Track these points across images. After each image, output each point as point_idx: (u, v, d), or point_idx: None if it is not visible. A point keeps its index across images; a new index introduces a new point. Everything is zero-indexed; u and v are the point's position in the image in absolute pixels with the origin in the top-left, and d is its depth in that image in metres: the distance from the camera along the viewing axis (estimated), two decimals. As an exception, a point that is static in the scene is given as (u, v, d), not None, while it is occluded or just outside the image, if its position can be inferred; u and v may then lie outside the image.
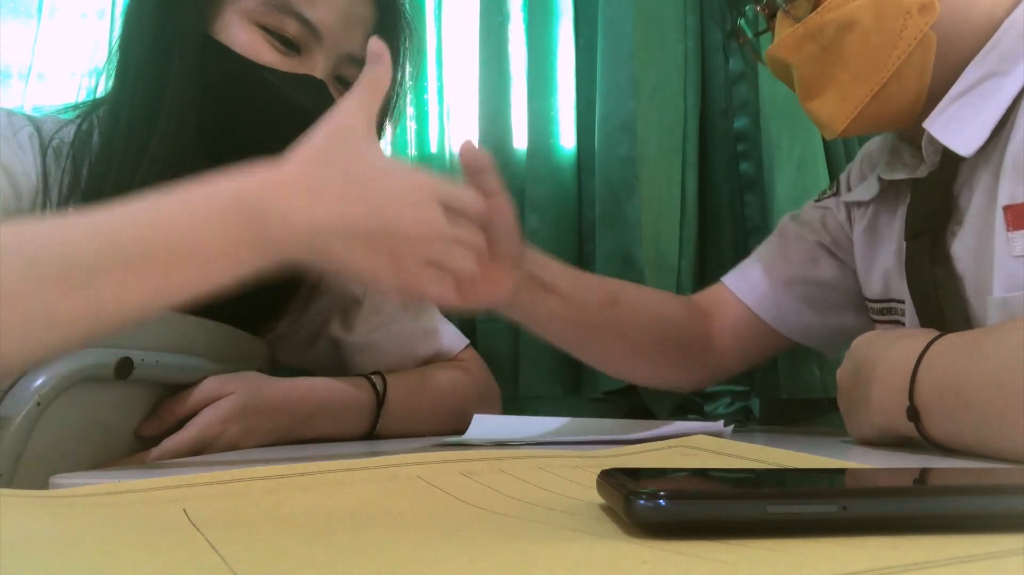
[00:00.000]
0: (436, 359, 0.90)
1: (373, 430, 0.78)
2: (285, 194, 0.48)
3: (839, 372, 0.62)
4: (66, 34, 1.27)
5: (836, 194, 0.83)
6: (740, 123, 1.10)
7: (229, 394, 0.68)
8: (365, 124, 0.52)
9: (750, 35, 0.76)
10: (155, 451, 0.65)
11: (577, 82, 1.18)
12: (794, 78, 0.69)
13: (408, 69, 0.85)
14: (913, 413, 0.51)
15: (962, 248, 0.63)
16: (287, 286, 0.85)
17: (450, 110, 1.21)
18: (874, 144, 0.82)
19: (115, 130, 0.70)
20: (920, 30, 0.61)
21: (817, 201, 0.85)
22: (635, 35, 1.09)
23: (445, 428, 0.82)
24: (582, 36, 1.18)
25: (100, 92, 0.75)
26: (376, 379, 0.79)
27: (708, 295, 0.86)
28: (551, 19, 1.18)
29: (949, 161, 0.63)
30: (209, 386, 0.68)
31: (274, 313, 0.86)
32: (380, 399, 0.77)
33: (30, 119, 0.73)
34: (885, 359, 0.55)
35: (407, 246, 0.50)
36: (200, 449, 0.66)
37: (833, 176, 1.06)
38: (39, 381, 0.55)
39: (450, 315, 1.16)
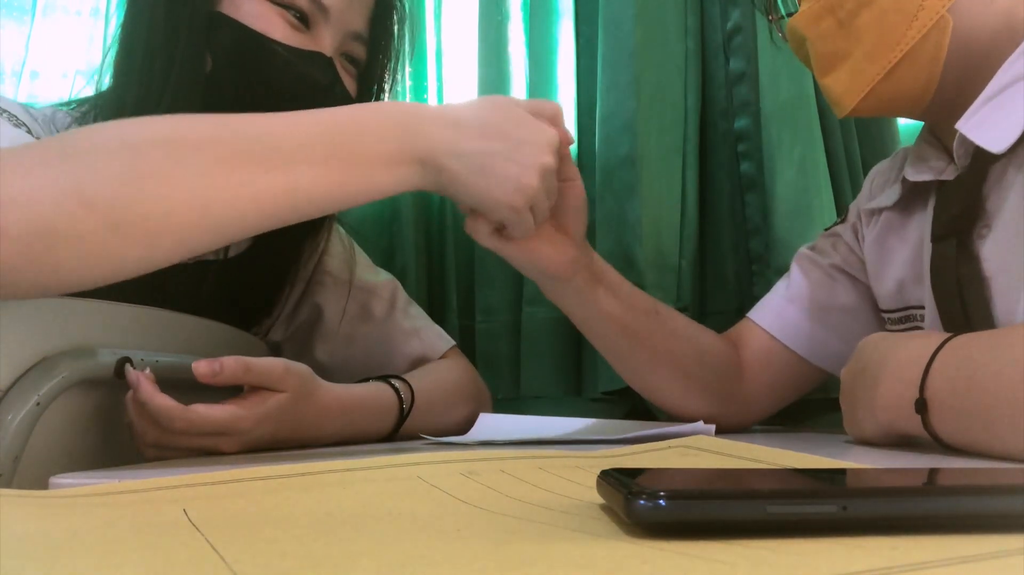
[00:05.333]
0: (423, 360, 0.89)
1: (392, 434, 0.77)
2: (434, 123, 0.58)
3: (844, 371, 0.62)
4: (60, 32, 1.27)
5: (844, 221, 0.84)
6: (741, 123, 1.10)
7: (282, 391, 0.62)
8: (520, 101, 0.64)
9: (783, 12, 0.77)
10: (183, 413, 0.58)
11: (577, 82, 1.18)
12: (809, 53, 0.69)
13: (406, 49, 0.86)
14: (921, 406, 0.51)
15: (992, 250, 0.62)
16: (274, 284, 0.85)
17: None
18: (883, 165, 0.83)
19: (121, 115, 0.70)
20: (937, 12, 0.61)
21: (827, 231, 0.86)
22: (636, 35, 1.09)
23: (453, 425, 0.82)
24: (582, 36, 1.18)
25: (102, 86, 0.75)
26: (399, 384, 0.77)
27: (734, 330, 0.86)
28: (551, 19, 1.18)
29: (979, 163, 0.63)
30: (274, 368, 0.62)
31: (265, 310, 0.86)
32: (402, 404, 0.77)
33: (42, 111, 0.72)
34: (895, 356, 0.55)
35: (524, 183, 0.60)
36: (220, 432, 0.60)
37: (833, 176, 1.06)
38: (39, 381, 0.55)
39: (456, 313, 1.16)
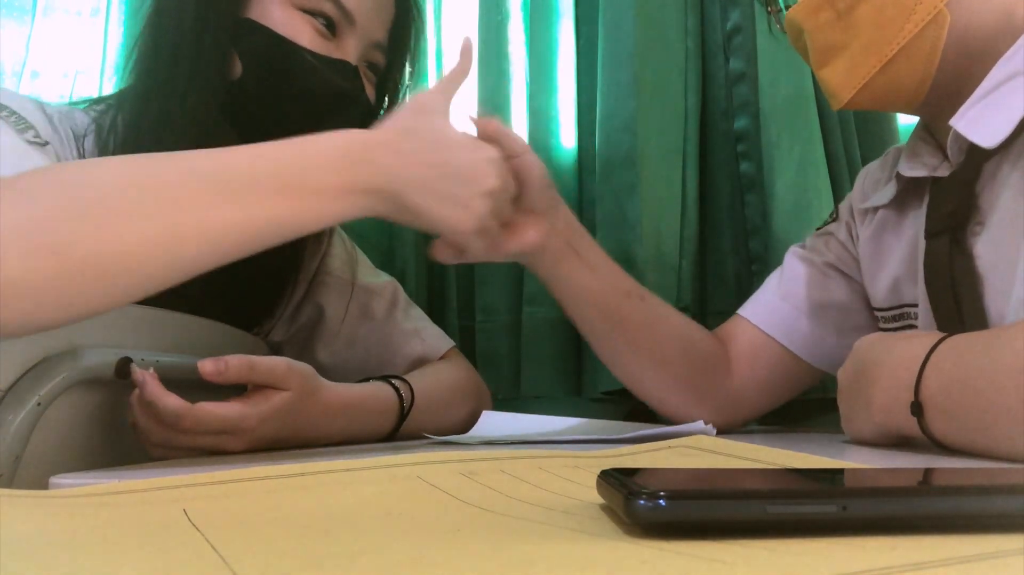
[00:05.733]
0: (423, 360, 0.89)
1: (392, 434, 0.77)
2: (381, 151, 0.58)
3: (840, 372, 0.62)
4: (61, 33, 1.27)
5: (836, 220, 0.84)
6: (740, 123, 1.10)
7: (285, 390, 0.63)
8: (443, 105, 0.64)
9: (782, 5, 0.77)
10: (190, 412, 0.58)
11: (578, 82, 1.18)
12: (808, 45, 0.70)
13: (417, 50, 0.86)
14: (917, 408, 0.51)
15: (986, 247, 0.63)
16: (276, 284, 0.85)
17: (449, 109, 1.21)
18: (873, 165, 0.83)
19: (143, 116, 0.70)
20: (935, 7, 0.62)
21: (819, 230, 0.86)
22: (636, 35, 1.09)
23: (453, 425, 0.82)
24: (583, 36, 1.18)
25: (120, 84, 0.75)
26: (399, 384, 0.77)
27: (724, 327, 0.85)
28: (551, 19, 1.18)
29: (972, 160, 0.63)
30: (278, 367, 0.63)
31: (266, 311, 0.86)
32: (402, 404, 0.77)
33: (58, 108, 0.72)
34: (890, 357, 0.55)
35: (473, 199, 0.60)
36: (226, 430, 0.60)
37: (833, 176, 1.06)
38: (39, 381, 0.55)
39: (456, 313, 1.16)
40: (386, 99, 0.84)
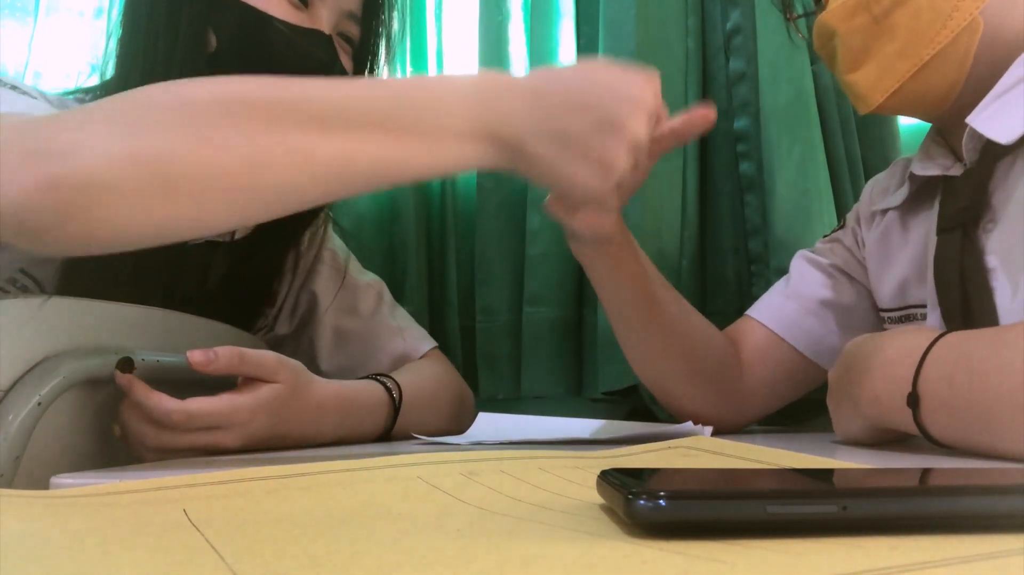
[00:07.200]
0: (405, 358, 0.90)
1: (386, 433, 0.77)
2: (515, 96, 0.52)
3: (831, 373, 0.63)
4: (63, 33, 1.27)
5: (843, 227, 0.85)
6: (741, 123, 1.10)
7: (276, 383, 0.62)
8: (604, 65, 0.55)
9: (801, 11, 0.78)
10: (180, 406, 0.58)
11: (578, 82, 1.18)
12: (837, 50, 0.70)
13: (394, 25, 0.85)
14: (913, 400, 0.51)
15: (998, 243, 0.63)
16: (277, 268, 0.85)
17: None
18: (880, 175, 0.84)
19: None
20: (970, 13, 0.62)
21: (826, 237, 0.87)
22: (636, 35, 1.08)
23: (438, 424, 0.82)
24: (583, 36, 1.18)
25: (107, 75, 0.76)
26: (386, 381, 0.78)
27: (732, 328, 0.86)
28: (552, 19, 1.18)
29: (986, 159, 0.64)
30: (267, 360, 0.63)
31: (269, 300, 0.86)
32: (393, 400, 0.77)
33: (54, 96, 0.73)
34: (883, 352, 0.55)
35: (611, 162, 0.52)
36: (218, 425, 0.60)
37: (833, 177, 1.06)
38: (39, 381, 0.55)
39: (456, 312, 1.16)
40: (368, 69, 0.84)
